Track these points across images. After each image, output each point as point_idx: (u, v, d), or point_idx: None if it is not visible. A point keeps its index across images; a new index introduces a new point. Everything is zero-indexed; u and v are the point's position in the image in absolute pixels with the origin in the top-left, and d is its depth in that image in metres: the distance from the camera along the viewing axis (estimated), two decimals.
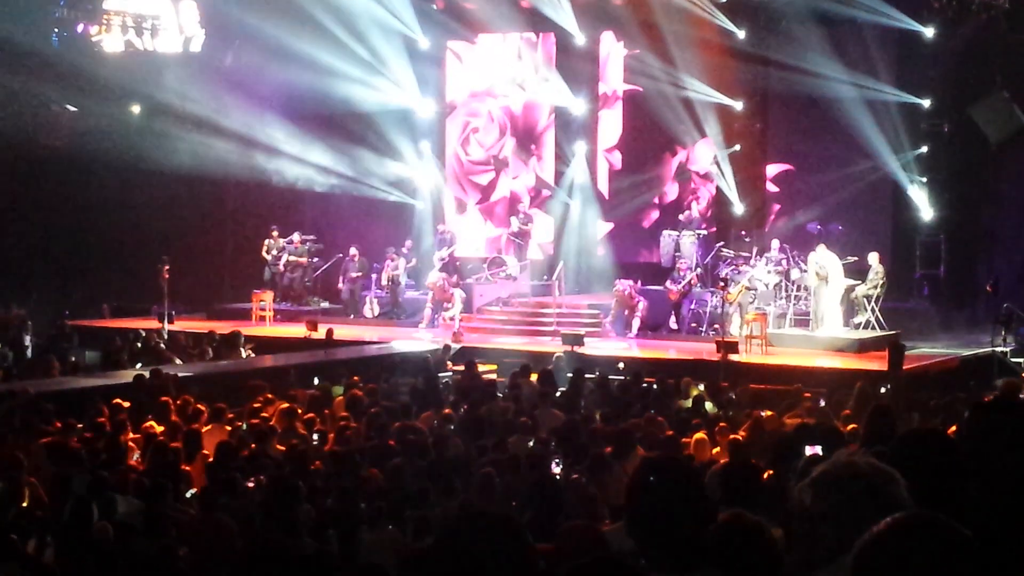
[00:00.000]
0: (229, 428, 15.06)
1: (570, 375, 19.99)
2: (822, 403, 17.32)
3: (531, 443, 14.32)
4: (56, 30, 32.99)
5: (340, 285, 32.14)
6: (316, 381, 20.46)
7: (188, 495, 12.27)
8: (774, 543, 4.27)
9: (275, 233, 32.54)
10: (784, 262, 27.75)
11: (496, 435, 14.50)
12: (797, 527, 3.94)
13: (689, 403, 17.74)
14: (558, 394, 18.48)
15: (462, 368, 21.48)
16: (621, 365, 23.19)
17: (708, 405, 17.59)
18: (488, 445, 13.84)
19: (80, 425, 14.97)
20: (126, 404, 16.37)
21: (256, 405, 16.58)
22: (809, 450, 8.08)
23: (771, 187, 31.31)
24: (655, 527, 4.08)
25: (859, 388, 17.24)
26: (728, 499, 7.58)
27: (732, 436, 13.69)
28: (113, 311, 31.93)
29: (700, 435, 13.52)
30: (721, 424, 14.97)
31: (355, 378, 19.59)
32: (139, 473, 12.63)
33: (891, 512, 3.65)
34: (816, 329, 26.29)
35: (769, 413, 15.86)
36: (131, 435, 14.54)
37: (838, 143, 28.80)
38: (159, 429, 14.50)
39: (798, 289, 27.33)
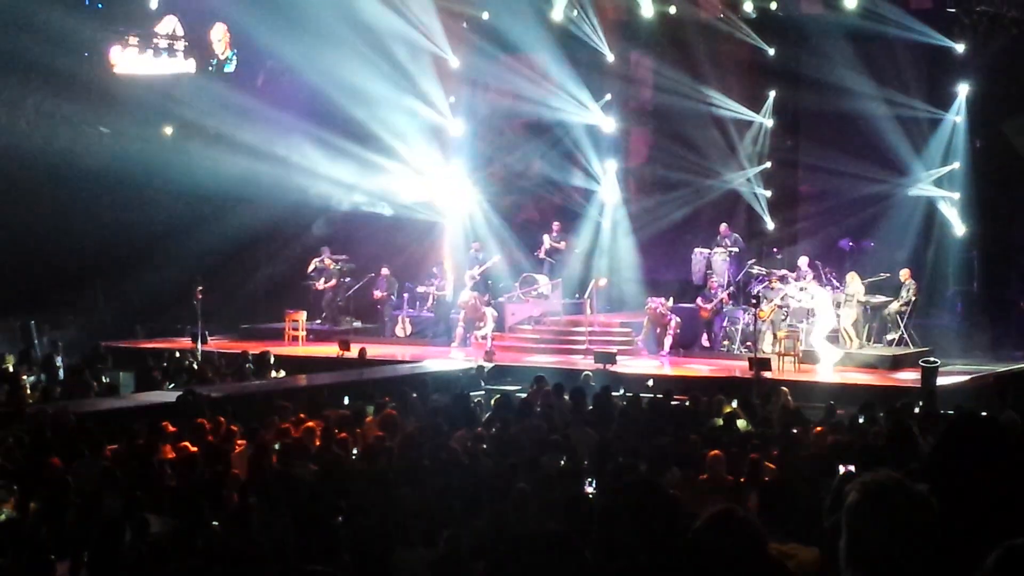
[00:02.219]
0: (262, 448, 15.06)
1: (597, 393, 19.91)
2: (860, 420, 17.21)
3: (563, 461, 14.28)
4: (89, 53, 33.19)
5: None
6: (346, 401, 20.49)
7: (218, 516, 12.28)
8: (759, 537, 4.21)
9: (326, 251, 32.77)
10: (815, 279, 27.70)
11: (528, 454, 14.47)
12: (840, 544, 3.90)
13: (721, 421, 17.67)
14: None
15: (534, 384, 21.29)
16: (650, 383, 23.17)
17: (740, 422, 17.51)
18: (521, 464, 13.81)
19: (115, 446, 15.02)
20: (160, 424, 16.41)
21: (289, 425, 16.61)
22: (843, 468, 8.05)
23: (802, 204, 31.23)
24: (624, 552, 4.07)
25: (898, 407, 17.14)
26: (766, 518, 7.56)
27: (752, 455, 13.60)
28: (147, 332, 32.08)
29: (715, 452, 13.36)
30: (754, 441, 14.89)
31: (386, 398, 19.58)
32: (173, 492, 12.65)
33: (934, 533, 3.64)
34: (849, 346, 26.28)
35: (797, 430, 15.78)
36: (166, 455, 14.58)
37: (869, 159, 28.72)
38: (193, 449, 14.54)
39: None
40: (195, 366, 25.19)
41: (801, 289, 26.99)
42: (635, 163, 33.29)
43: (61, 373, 24.96)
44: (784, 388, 19.76)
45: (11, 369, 23.82)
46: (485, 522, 10.74)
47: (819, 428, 15.77)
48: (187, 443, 14.86)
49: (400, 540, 10.82)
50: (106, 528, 10.62)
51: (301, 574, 9.25)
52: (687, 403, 19.22)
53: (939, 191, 28.78)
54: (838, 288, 26.96)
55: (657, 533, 4.12)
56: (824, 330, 26.19)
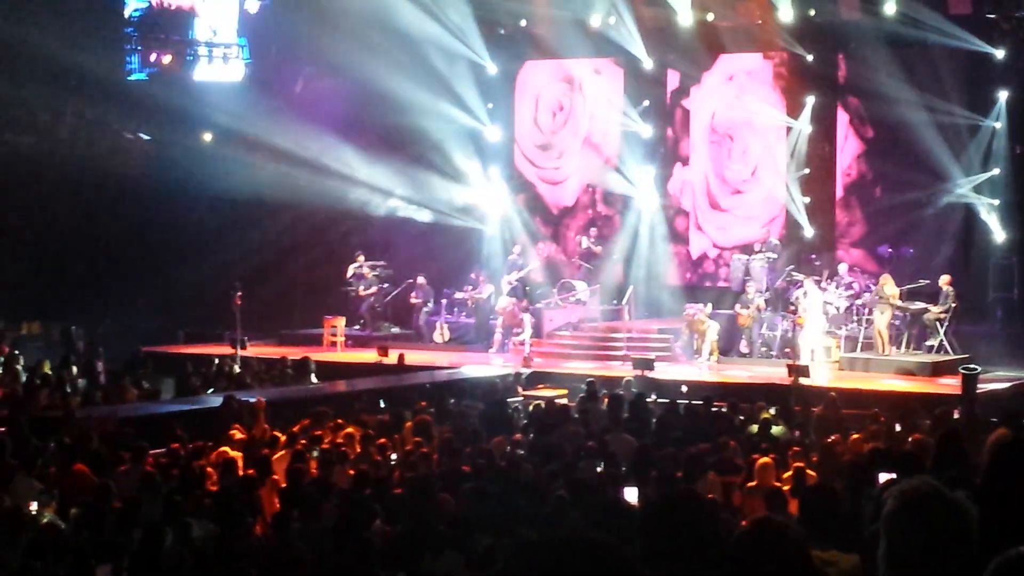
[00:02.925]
0: (301, 454, 15.12)
1: (632, 400, 19.89)
2: (897, 428, 17.15)
3: (599, 468, 14.26)
4: (130, 60, 33.41)
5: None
6: (381, 404, 20.55)
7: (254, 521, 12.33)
8: (801, 547, 4.21)
9: (361, 257, 32.80)
10: (855, 285, 27.64)
11: (566, 460, 14.48)
12: (877, 552, 3.89)
13: (756, 428, 17.66)
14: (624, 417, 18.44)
15: (584, 390, 21.25)
16: (684, 388, 23.15)
17: (775, 429, 17.48)
18: (558, 470, 13.82)
19: (156, 450, 15.11)
20: (202, 429, 16.52)
21: (328, 431, 16.66)
22: (883, 476, 8.02)
23: (841, 210, 31.08)
24: (668, 563, 4.08)
25: (938, 413, 17.06)
26: (806, 525, 7.53)
27: (796, 463, 13.58)
28: (186, 337, 32.24)
29: (766, 460, 13.39)
30: (795, 448, 14.86)
31: (422, 403, 19.62)
32: (213, 497, 12.71)
33: (972, 541, 3.64)
34: (882, 351, 26.17)
35: (835, 437, 15.74)
36: (206, 460, 14.65)
37: (908, 166, 28.59)
38: (233, 454, 14.61)
39: (869, 313, 27.15)
40: (235, 372, 25.30)
41: (799, 287, 27.05)
42: (673, 169, 33.17)
43: (102, 378, 25.12)
44: (833, 394, 19.67)
45: (48, 372, 23.98)
46: (525, 529, 10.75)
47: (856, 435, 15.75)
48: (227, 448, 14.94)
49: (436, 546, 10.85)
50: (147, 533, 10.69)
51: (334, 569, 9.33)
52: (723, 409, 19.20)
53: (979, 197, 28.60)
54: (879, 297, 26.84)
55: (700, 543, 4.12)
56: (815, 331, 26.17)
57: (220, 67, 34.17)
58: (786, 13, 29.36)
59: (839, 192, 30.98)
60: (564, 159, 34.51)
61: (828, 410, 18.76)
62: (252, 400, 18.87)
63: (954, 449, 8.77)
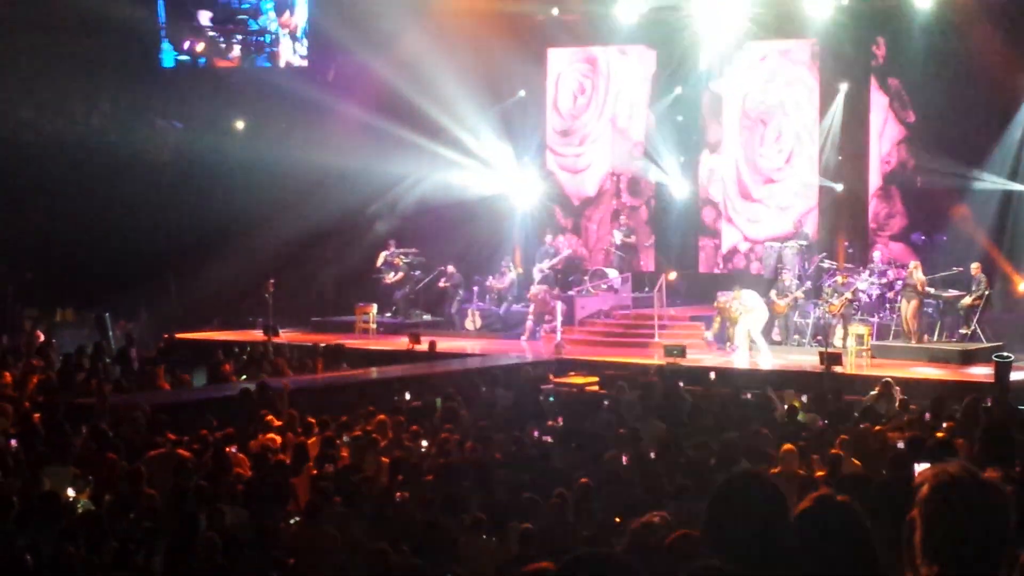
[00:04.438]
0: (332, 441, 15.17)
1: (666, 387, 19.87)
2: (927, 416, 17.07)
3: (624, 458, 14.20)
4: (163, 47, 33.51)
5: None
6: (407, 395, 20.57)
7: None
8: (864, 522, 4.20)
9: (392, 245, 32.82)
10: (889, 273, 27.52)
11: (597, 447, 14.49)
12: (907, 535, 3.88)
13: (782, 415, 17.64)
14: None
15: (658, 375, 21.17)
16: (712, 375, 23.11)
17: (800, 416, 17.43)
18: (589, 457, 13.84)
19: (187, 438, 15.17)
20: (233, 416, 16.57)
21: (360, 418, 16.70)
22: (919, 466, 8.00)
23: (874, 198, 30.89)
24: (735, 542, 4.08)
25: (967, 402, 16.97)
26: None
27: (835, 450, 13.57)
28: (219, 324, 32.36)
29: (789, 446, 13.34)
30: (843, 437, 14.79)
31: (454, 391, 19.64)
32: (246, 484, 12.77)
33: (1008, 525, 3.62)
34: (911, 339, 26.01)
35: (865, 425, 15.68)
36: (238, 447, 14.70)
37: (942, 152, 28.42)
38: (267, 440, 14.67)
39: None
40: (266, 358, 25.36)
41: (832, 275, 26.99)
42: (706, 155, 33.03)
43: (135, 365, 25.21)
44: (889, 380, 19.59)
45: (83, 359, 24.09)
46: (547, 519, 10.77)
47: (887, 424, 15.71)
48: (261, 435, 15.00)
49: (468, 532, 10.89)
50: (181, 519, 10.75)
51: (366, 554, 9.37)
52: (748, 396, 19.18)
53: (1013, 184, 28.44)
54: (911, 284, 26.71)
55: (768, 524, 4.11)
56: (759, 323, 26.16)
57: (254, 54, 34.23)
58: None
59: (877, 181, 30.69)
60: (586, 145, 34.28)
61: (883, 398, 18.70)
62: (279, 387, 18.95)
63: (1000, 441, 8.74)
